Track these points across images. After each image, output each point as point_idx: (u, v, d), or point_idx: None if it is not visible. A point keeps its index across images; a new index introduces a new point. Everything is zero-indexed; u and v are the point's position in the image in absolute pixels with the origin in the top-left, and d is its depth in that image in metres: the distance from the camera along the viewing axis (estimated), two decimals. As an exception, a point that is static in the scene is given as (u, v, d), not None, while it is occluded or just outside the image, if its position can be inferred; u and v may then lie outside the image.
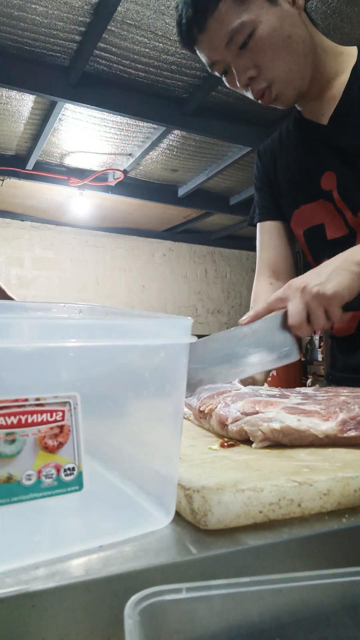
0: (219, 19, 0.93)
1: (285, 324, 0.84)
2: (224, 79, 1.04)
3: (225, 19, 0.93)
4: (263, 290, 1.25)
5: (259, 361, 0.83)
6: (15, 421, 0.34)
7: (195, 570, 0.36)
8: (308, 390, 0.80)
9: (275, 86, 0.98)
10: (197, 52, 1.02)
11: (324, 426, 0.58)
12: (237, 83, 1.00)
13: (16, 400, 0.34)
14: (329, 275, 0.83)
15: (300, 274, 0.90)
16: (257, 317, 0.87)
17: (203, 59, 1.02)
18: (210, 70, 1.03)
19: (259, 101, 1.02)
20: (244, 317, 0.87)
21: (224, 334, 0.86)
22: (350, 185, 1.05)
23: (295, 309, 0.83)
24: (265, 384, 1.00)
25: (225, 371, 0.82)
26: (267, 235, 1.27)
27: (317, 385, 0.90)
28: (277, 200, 1.24)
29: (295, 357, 0.86)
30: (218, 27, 0.94)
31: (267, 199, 1.26)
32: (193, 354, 0.84)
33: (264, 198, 1.27)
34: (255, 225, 1.31)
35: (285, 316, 0.84)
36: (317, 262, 1.21)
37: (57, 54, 3.02)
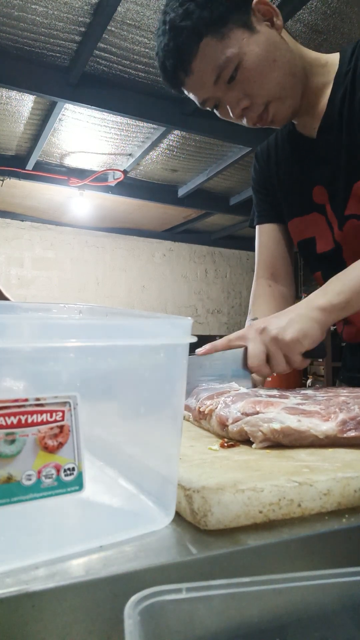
0: (203, 59, 0.92)
1: (244, 363, 0.84)
2: (216, 112, 1.04)
3: (209, 57, 0.92)
4: (262, 293, 1.26)
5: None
6: (15, 421, 0.34)
7: (195, 571, 0.36)
8: (307, 390, 0.80)
9: (271, 107, 0.98)
10: (185, 92, 1.01)
11: (324, 426, 0.58)
12: (231, 115, 1.00)
13: (16, 401, 0.34)
14: (290, 321, 0.83)
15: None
16: (214, 350, 0.87)
17: (193, 98, 1.01)
18: (201, 107, 1.03)
19: (257, 125, 1.02)
20: (200, 349, 0.87)
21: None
22: (341, 199, 1.04)
23: (254, 350, 0.83)
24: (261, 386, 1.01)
25: None
26: (265, 237, 1.27)
27: (317, 385, 0.90)
28: (276, 204, 1.24)
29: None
30: (203, 67, 0.93)
31: (265, 202, 1.27)
32: None
33: (262, 200, 1.27)
34: (254, 227, 1.31)
35: (245, 354, 0.84)
36: (313, 273, 1.22)
37: (57, 54, 3.02)
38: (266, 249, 1.27)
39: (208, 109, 1.04)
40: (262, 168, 1.26)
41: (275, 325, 0.83)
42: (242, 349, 0.85)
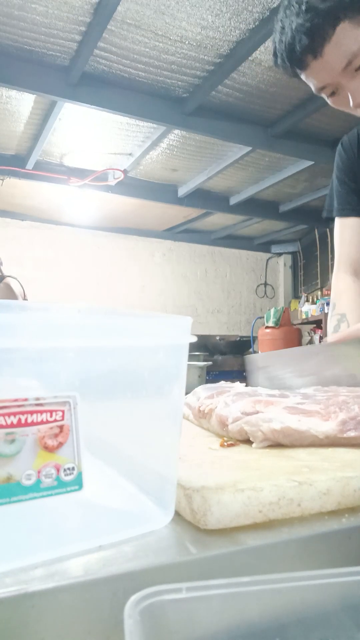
0: (337, 43, 0.91)
1: None
2: (329, 100, 1.03)
3: (343, 43, 0.91)
4: (346, 288, 1.23)
5: (334, 380, 0.82)
6: (15, 421, 0.34)
7: (195, 570, 0.36)
8: (307, 390, 0.80)
9: None
10: (303, 76, 0.99)
11: (324, 426, 0.58)
12: (351, 104, 0.99)
13: (16, 400, 0.34)
14: None
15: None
16: (346, 337, 0.86)
17: (310, 82, 1.00)
18: (316, 92, 1.01)
19: None
20: (333, 338, 0.86)
21: (314, 348, 0.86)
22: None
23: None
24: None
25: (299, 381, 0.82)
26: (349, 231, 1.24)
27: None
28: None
29: None
30: (335, 52, 0.92)
31: (350, 194, 1.24)
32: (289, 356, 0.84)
33: (347, 192, 1.24)
34: (332, 219, 1.29)
35: None
36: None
37: (57, 54, 3.01)
38: (349, 244, 1.25)
39: (324, 95, 1.02)
40: (350, 157, 1.23)
41: None
42: None
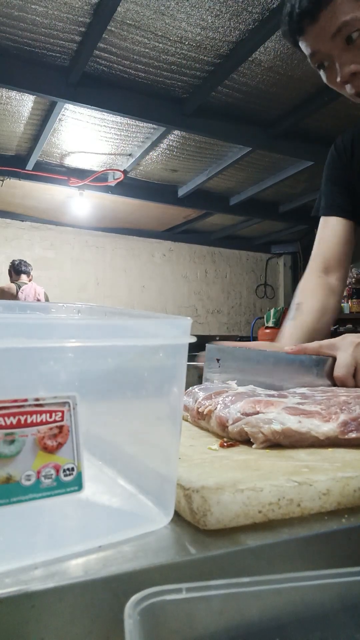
0: (333, 10, 0.94)
1: (330, 372, 0.84)
2: (321, 73, 1.04)
3: (339, 11, 0.94)
4: (310, 287, 1.25)
5: (281, 385, 0.83)
6: (14, 421, 0.34)
7: (195, 570, 0.36)
8: (304, 390, 0.80)
9: None
10: (301, 43, 1.02)
11: (325, 427, 0.58)
12: (338, 78, 1.00)
13: (15, 401, 0.34)
14: None
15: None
16: (304, 352, 0.86)
17: (305, 49, 1.02)
18: (310, 61, 1.04)
19: (358, 100, 1.02)
20: (291, 348, 0.87)
21: (269, 352, 0.87)
22: None
23: (344, 360, 0.83)
24: None
25: (246, 378, 0.83)
26: (330, 231, 1.26)
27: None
28: (348, 198, 1.23)
29: None
30: (329, 18, 0.95)
31: (338, 195, 1.25)
32: (228, 354, 0.85)
33: (336, 193, 1.26)
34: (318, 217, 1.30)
35: (332, 363, 0.84)
36: None
37: (57, 54, 3.02)
38: (326, 242, 1.26)
39: (315, 65, 1.04)
40: (343, 159, 1.25)
41: None
42: (329, 358, 0.85)
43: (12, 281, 5.22)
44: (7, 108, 3.55)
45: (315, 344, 0.88)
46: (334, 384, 0.83)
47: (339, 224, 1.24)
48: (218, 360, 0.87)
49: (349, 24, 0.94)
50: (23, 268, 5.24)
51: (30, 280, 5.27)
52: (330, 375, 0.84)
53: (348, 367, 0.82)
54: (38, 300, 5.02)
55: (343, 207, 1.24)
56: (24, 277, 5.23)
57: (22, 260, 5.32)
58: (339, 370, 0.83)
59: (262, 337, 5.40)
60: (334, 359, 0.84)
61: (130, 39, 2.83)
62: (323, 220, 1.27)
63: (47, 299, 5.23)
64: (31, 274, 5.32)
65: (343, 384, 0.83)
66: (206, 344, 0.88)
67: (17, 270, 5.23)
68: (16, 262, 5.27)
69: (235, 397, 0.67)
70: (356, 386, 0.82)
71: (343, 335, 0.88)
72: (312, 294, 1.22)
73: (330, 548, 0.41)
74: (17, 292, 5.04)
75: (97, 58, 3.03)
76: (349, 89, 1.02)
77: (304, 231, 6.84)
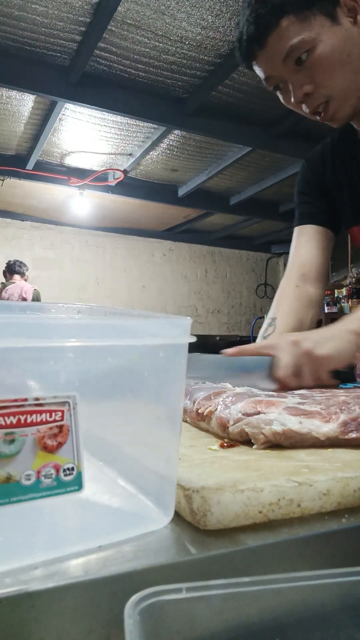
0: (279, 35, 0.94)
1: (271, 372, 0.83)
2: (278, 94, 1.05)
3: (285, 35, 0.93)
4: (287, 293, 1.24)
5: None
6: (14, 421, 0.34)
7: (195, 571, 0.36)
8: (303, 390, 0.80)
9: (332, 103, 0.99)
10: (255, 68, 1.02)
11: (325, 428, 0.58)
12: (292, 99, 1.01)
13: (15, 400, 0.34)
14: (324, 338, 0.84)
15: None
16: (242, 353, 0.86)
17: (260, 74, 1.02)
18: (265, 85, 1.04)
19: (316, 118, 1.02)
20: (229, 350, 0.86)
21: (209, 357, 0.86)
22: None
23: (284, 360, 0.82)
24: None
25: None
26: (304, 238, 1.26)
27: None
28: (326, 208, 1.24)
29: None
30: (277, 43, 0.94)
31: (311, 205, 1.26)
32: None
33: (308, 203, 1.27)
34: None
35: (272, 364, 0.84)
36: None
37: (57, 54, 3.02)
38: (301, 250, 1.26)
39: (271, 89, 1.05)
40: (315, 172, 1.26)
41: (310, 340, 0.84)
42: (268, 358, 0.84)
43: (5, 281, 5.21)
44: (7, 107, 3.55)
45: (254, 345, 0.87)
46: (280, 386, 0.82)
47: (315, 232, 1.25)
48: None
49: (296, 47, 0.93)
50: (17, 268, 5.21)
51: (25, 280, 5.24)
52: (272, 375, 0.83)
53: (287, 366, 0.81)
54: (24, 299, 4.98)
55: (317, 216, 1.25)
56: (17, 277, 5.20)
57: (17, 261, 5.29)
58: (280, 370, 0.82)
59: (262, 337, 5.39)
60: (274, 359, 0.83)
61: (130, 38, 2.83)
62: (298, 229, 1.28)
63: (37, 299, 5.18)
64: (26, 274, 5.29)
65: (285, 385, 0.82)
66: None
67: (10, 270, 5.20)
68: (11, 262, 5.24)
69: (236, 398, 0.67)
70: (299, 387, 0.81)
71: (283, 334, 0.87)
72: (289, 308, 1.20)
73: (330, 548, 0.41)
74: (0, 292, 5.02)
75: (98, 58, 3.03)
76: (304, 108, 1.02)
77: (304, 231, 6.83)
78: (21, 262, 5.29)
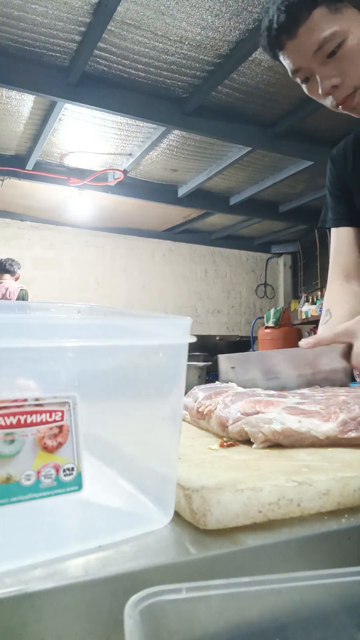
0: (311, 26, 0.94)
1: (347, 355, 0.84)
2: (304, 86, 1.05)
3: (317, 27, 0.94)
4: (335, 293, 1.29)
5: (306, 382, 0.83)
6: (14, 421, 0.34)
7: (195, 570, 0.36)
8: (304, 390, 0.80)
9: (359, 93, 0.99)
10: (281, 57, 1.02)
11: (325, 427, 0.58)
12: (320, 90, 1.01)
13: (15, 401, 0.34)
14: None
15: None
16: (319, 344, 0.87)
17: (287, 64, 1.02)
18: (291, 76, 1.04)
19: (339, 108, 1.03)
20: (305, 342, 0.88)
21: (286, 351, 0.87)
22: None
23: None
24: None
25: (267, 382, 0.83)
26: (341, 241, 1.31)
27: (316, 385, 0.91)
28: (352, 207, 1.27)
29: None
30: (309, 35, 0.95)
31: (341, 205, 1.29)
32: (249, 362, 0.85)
33: (338, 204, 1.30)
34: (328, 229, 1.35)
35: (349, 348, 0.84)
36: None
37: (57, 54, 3.02)
38: (341, 252, 1.31)
39: (298, 80, 1.05)
40: (339, 170, 1.28)
41: None
42: (343, 345, 0.85)
43: None
44: (7, 108, 3.55)
45: (329, 334, 0.88)
46: (351, 368, 0.83)
47: (349, 233, 1.29)
48: (233, 367, 0.87)
49: (329, 40, 0.94)
50: (7, 267, 5.07)
51: (16, 280, 5.14)
52: (347, 357, 0.84)
53: None
54: (7, 299, 4.89)
55: (348, 216, 1.29)
56: (7, 276, 5.08)
57: (9, 259, 5.13)
58: (355, 358, 0.84)
59: (262, 336, 5.40)
60: (351, 346, 0.84)
61: (130, 38, 2.83)
62: (334, 231, 1.32)
63: (24, 298, 5.07)
64: (18, 272, 5.16)
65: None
66: (218, 356, 0.89)
67: (1, 268, 5.10)
68: (2, 260, 5.13)
69: (235, 397, 0.67)
70: None
71: (357, 319, 0.88)
72: (338, 299, 1.26)
73: (330, 548, 0.41)
74: None
75: (97, 58, 3.02)
76: (330, 101, 1.03)
77: (303, 231, 6.84)
78: (12, 261, 5.12)
